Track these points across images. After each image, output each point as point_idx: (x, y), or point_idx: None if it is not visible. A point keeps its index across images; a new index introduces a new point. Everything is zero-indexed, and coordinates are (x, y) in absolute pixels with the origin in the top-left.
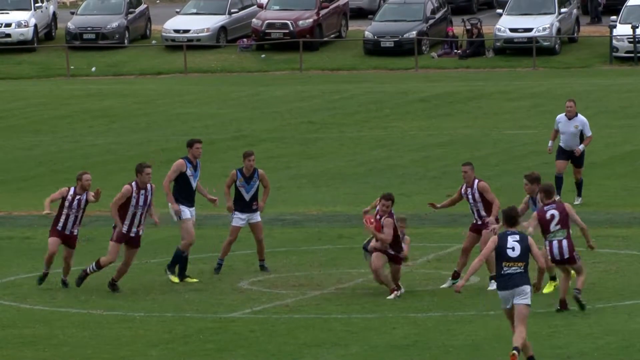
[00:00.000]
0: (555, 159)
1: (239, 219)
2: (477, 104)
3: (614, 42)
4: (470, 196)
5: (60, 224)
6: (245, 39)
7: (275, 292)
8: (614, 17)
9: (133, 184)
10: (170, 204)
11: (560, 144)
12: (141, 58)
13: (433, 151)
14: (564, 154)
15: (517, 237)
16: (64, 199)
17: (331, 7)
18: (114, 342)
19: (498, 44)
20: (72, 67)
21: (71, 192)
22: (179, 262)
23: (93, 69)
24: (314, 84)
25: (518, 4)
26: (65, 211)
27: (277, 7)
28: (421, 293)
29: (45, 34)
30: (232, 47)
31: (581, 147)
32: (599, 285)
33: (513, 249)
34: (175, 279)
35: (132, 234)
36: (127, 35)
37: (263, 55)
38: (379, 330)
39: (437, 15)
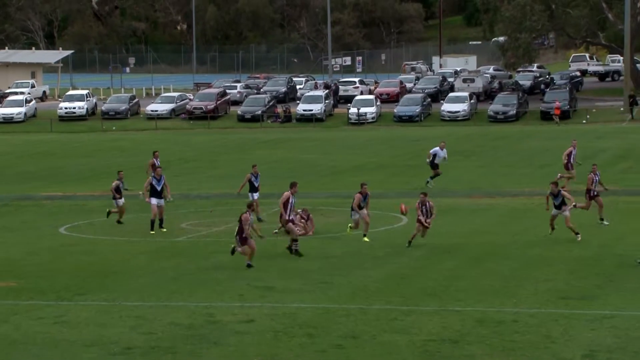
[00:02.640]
0: (432, 168)
1: (255, 195)
2: (289, 143)
3: (350, 115)
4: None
5: None
6: (183, 114)
7: (199, 229)
8: (349, 104)
9: (287, 192)
10: (146, 198)
11: (436, 161)
12: (136, 123)
13: (273, 165)
14: (436, 166)
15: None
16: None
17: (222, 100)
18: (135, 251)
19: (298, 116)
20: (104, 127)
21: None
22: (152, 224)
23: (114, 128)
24: (216, 135)
25: (307, 99)
26: None
27: (198, 100)
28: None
29: (92, 112)
30: (177, 119)
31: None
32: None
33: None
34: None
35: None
36: (129, 113)
37: (191, 122)
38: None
39: (270, 103)
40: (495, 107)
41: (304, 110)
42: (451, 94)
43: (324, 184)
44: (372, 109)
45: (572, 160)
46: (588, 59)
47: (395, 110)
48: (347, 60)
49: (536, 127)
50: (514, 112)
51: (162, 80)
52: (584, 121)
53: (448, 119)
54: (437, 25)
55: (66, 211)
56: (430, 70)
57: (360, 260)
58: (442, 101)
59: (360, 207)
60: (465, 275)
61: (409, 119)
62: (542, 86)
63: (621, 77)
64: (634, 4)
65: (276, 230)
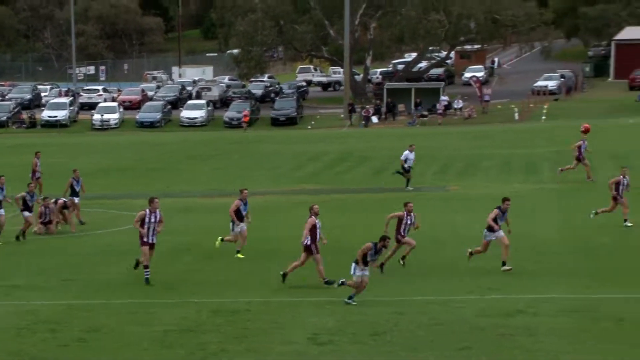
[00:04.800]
0: (406, 172)
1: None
2: (35, 148)
3: (94, 121)
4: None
5: None
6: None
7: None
8: (93, 111)
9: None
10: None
11: (408, 165)
12: None
13: (19, 169)
14: (409, 170)
15: None
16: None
17: None
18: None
19: (43, 122)
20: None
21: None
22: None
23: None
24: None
25: (52, 105)
26: None
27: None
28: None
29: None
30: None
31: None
32: None
33: None
34: None
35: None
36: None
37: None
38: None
39: (15, 109)
40: (230, 113)
41: (48, 117)
42: (190, 102)
43: None
44: (115, 115)
45: (583, 152)
46: (313, 70)
47: (137, 117)
48: (91, 69)
49: (267, 132)
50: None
51: None
52: (309, 127)
53: (187, 124)
54: (177, 38)
55: None
56: (170, 80)
57: (104, 257)
58: (181, 108)
59: (240, 218)
60: (201, 270)
61: (150, 125)
62: (273, 95)
63: (342, 87)
64: (352, 22)
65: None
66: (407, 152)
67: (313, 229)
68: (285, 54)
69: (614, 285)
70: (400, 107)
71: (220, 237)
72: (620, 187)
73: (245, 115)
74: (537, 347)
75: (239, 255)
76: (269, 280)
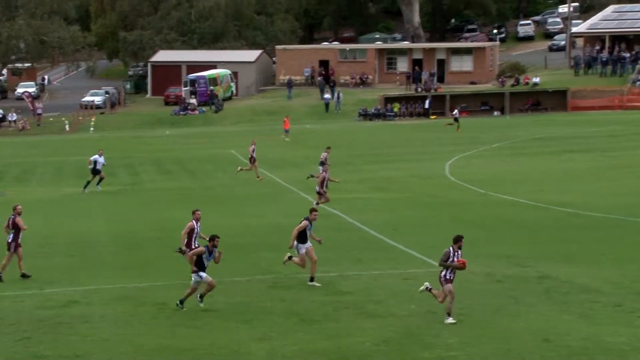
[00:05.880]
0: (95, 174)
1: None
2: None
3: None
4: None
5: None
6: None
7: None
8: None
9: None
10: None
11: (97, 167)
12: None
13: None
14: (98, 171)
15: None
16: None
17: None
18: None
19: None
20: None
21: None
22: None
23: None
24: None
25: None
26: None
27: None
28: None
29: None
30: None
31: None
32: None
33: None
34: None
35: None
36: None
37: None
38: None
39: None
40: None
41: None
42: None
43: None
44: None
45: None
46: None
47: None
48: None
49: None
50: None
51: None
52: None
53: None
54: None
55: None
56: None
57: None
58: None
59: None
60: None
61: None
62: None
63: None
64: None
65: None
66: (96, 156)
67: (16, 227)
68: None
69: (157, 274)
70: None
71: None
72: (325, 183)
73: None
74: (91, 333)
75: None
76: None
